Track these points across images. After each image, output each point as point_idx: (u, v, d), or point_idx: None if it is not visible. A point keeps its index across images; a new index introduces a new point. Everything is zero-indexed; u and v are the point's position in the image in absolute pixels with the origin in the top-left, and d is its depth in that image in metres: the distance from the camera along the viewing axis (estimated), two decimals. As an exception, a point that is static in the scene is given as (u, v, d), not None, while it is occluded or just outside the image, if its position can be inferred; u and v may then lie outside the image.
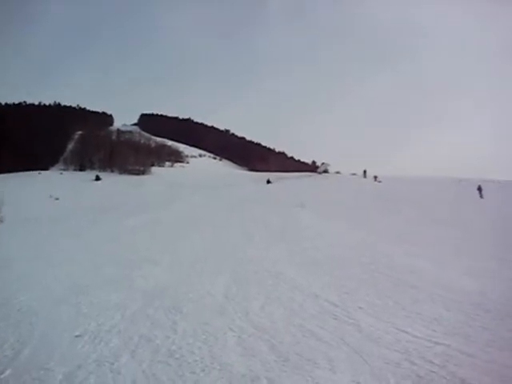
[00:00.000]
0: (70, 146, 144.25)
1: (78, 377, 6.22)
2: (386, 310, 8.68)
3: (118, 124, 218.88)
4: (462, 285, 10.42)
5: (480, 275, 11.44)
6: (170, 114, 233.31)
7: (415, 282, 10.71)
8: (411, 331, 7.41)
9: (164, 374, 6.14)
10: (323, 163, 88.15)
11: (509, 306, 8.79)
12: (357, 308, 8.88)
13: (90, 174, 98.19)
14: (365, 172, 64.91)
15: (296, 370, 6.07)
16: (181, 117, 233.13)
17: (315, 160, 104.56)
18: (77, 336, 7.88)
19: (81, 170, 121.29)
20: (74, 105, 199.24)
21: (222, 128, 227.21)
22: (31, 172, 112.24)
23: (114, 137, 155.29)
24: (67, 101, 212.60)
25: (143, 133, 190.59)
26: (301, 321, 8.21)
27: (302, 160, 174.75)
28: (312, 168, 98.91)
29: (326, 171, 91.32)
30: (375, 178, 58.92)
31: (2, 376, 6.38)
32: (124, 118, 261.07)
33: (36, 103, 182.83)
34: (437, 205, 29.93)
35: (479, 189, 37.57)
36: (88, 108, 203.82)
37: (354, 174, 78.52)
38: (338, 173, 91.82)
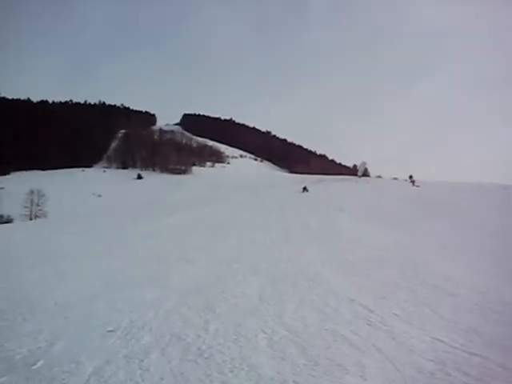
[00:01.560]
0: (114, 144, 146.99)
1: (107, 371, 6.28)
2: (422, 318, 8.46)
3: (160, 123, 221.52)
4: (502, 295, 10.07)
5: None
6: (212, 115, 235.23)
7: (453, 290, 10.42)
8: (447, 341, 7.19)
9: (192, 373, 6.13)
10: (362, 163, 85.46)
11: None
12: (392, 314, 8.69)
13: (132, 173, 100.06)
14: (411, 177, 63.09)
15: (325, 376, 5.96)
16: (223, 117, 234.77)
17: (356, 164, 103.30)
18: (109, 331, 7.96)
19: (123, 168, 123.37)
20: (118, 104, 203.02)
21: (263, 129, 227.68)
22: (75, 169, 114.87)
23: (156, 136, 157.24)
24: (112, 100, 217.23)
25: (185, 133, 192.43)
26: (334, 325, 8.09)
27: (342, 163, 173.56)
28: (353, 171, 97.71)
29: (366, 174, 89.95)
30: (413, 182, 57.65)
31: (34, 367, 6.50)
32: (167, 118, 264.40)
33: (82, 102, 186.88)
34: (481, 212, 29.21)
35: (526, 195, 36.53)
36: (132, 107, 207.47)
37: (396, 179, 77.42)
38: (379, 177, 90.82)
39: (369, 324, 8.14)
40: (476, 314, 8.70)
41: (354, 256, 14.52)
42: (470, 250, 16.08)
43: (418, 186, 53.21)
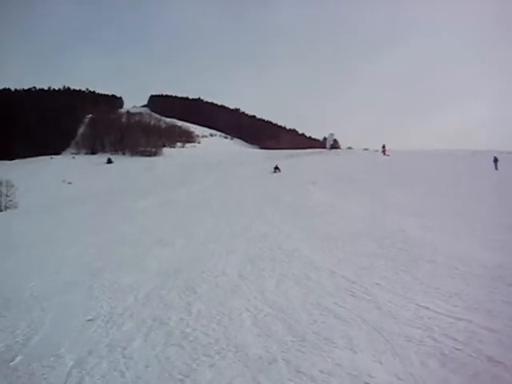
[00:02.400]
0: (81, 129, 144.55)
1: (90, 363, 6.08)
2: (404, 286, 8.46)
3: (127, 106, 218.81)
4: (479, 258, 10.12)
5: (496, 248, 11.12)
6: (179, 95, 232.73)
7: (431, 256, 10.47)
8: (432, 307, 7.18)
9: (178, 358, 5.98)
10: (330, 134, 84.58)
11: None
12: (374, 284, 8.67)
13: (101, 158, 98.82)
14: (384, 146, 62.69)
15: (314, 351, 5.88)
16: (191, 97, 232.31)
17: (326, 136, 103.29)
18: (88, 320, 7.76)
19: (92, 153, 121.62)
20: (83, 88, 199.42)
21: (232, 107, 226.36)
22: (43, 157, 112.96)
23: (124, 119, 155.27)
24: (76, 85, 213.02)
25: (153, 114, 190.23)
26: (317, 298, 8.04)
27: (313, 137, 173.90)
28: (323, 145, 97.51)
29: (336, 146, 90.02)
30: (383, 152, 57.65)
31: (12, 363, 6.26)
32: (134, 100, 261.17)
33: (45, 88, 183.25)
34: (450, 178, 29.53)
35: (495, 160, 36.89)
36: (97, 91, 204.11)
37: (366, 150, 77.82)
38: (349, 148, 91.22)
39: (352, 295, 8.11)
40: (457, 279, 8.72)
41: (331, 229, 14.53)
42: (441, 215, 16.18)
43: (388, 156, 53.57)
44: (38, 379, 5.80)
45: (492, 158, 37.56)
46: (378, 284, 8.66)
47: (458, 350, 5.60)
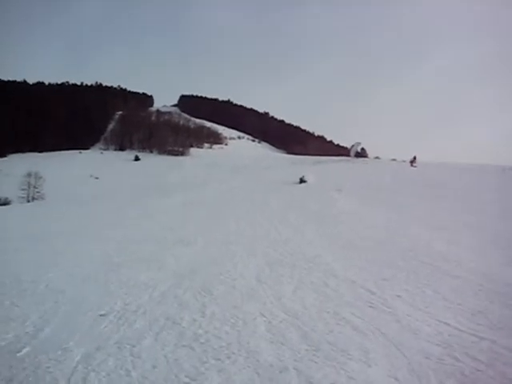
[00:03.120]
0: (111, 126, 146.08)
1: (96, 359, 5.96)
2: (426, 300, 8.22)
3: (157, 105, 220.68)
4: (504, 275, 9.86)
5: (523, 266, 10.83)
6: (209, 96, 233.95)
7: (455, 271, 10.21)
8: (453, 323, 6.94)
9: (187, 360, 5.83)
10: (356, 143, 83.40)
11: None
12: (394, 296, 8.45)
13: (129, 154, 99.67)
14: (415, 158, 61.98)
15: (328, 362, 5.69)
16: (220, 98, 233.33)
17: (354, 145, 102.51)
18: (101, 315, 7.67)
19: (121, 149, 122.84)
20: (115, 85, 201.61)
21: (261, 110, 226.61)
22: (72, 151, 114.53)
23: (153, 117, 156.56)
24: (108, 81, 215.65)
25: (183, 114, 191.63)
26: (335, 308, 7.83)
27: (341, 144, 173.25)
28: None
29: (363, 155, 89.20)
30: (411, 163, 57.07)
31: (19, 354, 6.18)
32: (164, 99, 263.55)
33: (78, 83, 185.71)
34: (479, 193, 29.05)
35: (526, 177, 36.27)
36: (129, 89, 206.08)
37: (394, 160, 77.16)
38: (377, 158, 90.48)
39: (371, 306, 7.89)
40: (481, 296, 8.46)
41: (354, 237, 14.32)
42: (467, 231, 15.87)
43: (415, 167, 53.02)
44: (43, 372, 5.69)
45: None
46: (398, 296, 8.44)
47: (479, 371, 5.36)
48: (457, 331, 6.63)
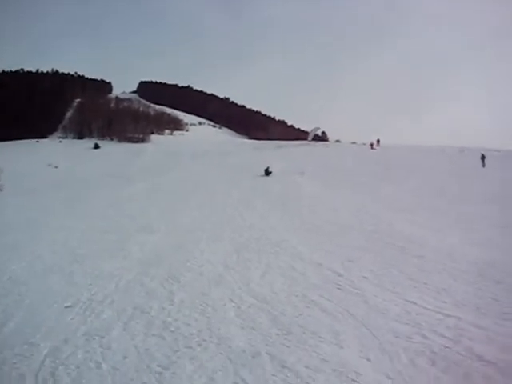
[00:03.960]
0: (69, 114, 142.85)
1: (65, 352, 5.83)
2: (392, 280, 8.36)
3: (116, 92, 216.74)
4: (466, 254, 10.13)
5: (484, 244, 11.15)
6: (169, 82, 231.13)
7: (419, 251, 10.43)
8: (420, 302, 7.08)
9: (158, 350, 5.76)
10: (315, 128, 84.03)
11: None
12: (361, 277, 8.56)
13: (88, 142, 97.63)
14: (378, 141, 62.66)
15: (300, 345, 5.71)
16: (180, 84, 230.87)
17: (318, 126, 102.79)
18: (67, 307, 7.50)
19: (80, 138, 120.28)
20: (72, 72, 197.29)
21: (221, 96, 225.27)
22: (29, 140, 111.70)
23: (112, 104, 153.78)
24: (65, 68, 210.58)
25: (142, 100, 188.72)
26: (303, 291, 7.88)
27: (302, 128, 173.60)
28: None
29: (324, 139, 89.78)
30: (371, 145, 57.65)
31: None
32: (123, 86, 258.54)
33: (34, 71, 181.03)
34: (438, 174, 29.57)
35: (482, 158, 37.00)
36: (86, 76, 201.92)
37: (354, 143, 77.76)
38: (338, 141, 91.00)
39: (339, 288, 7.97)
40: (444, 275, 8.66)
41: (318, 220, 14.43)
42: (429, 211, 16.17)
43: (375, 149, 53.60)
44: (9, 369, 5.53)
45: (479, 155, 37.68)
46: (365, 277, 8.55)
47: (447, 347, 5.48)
48: (424, 310, 6.76)
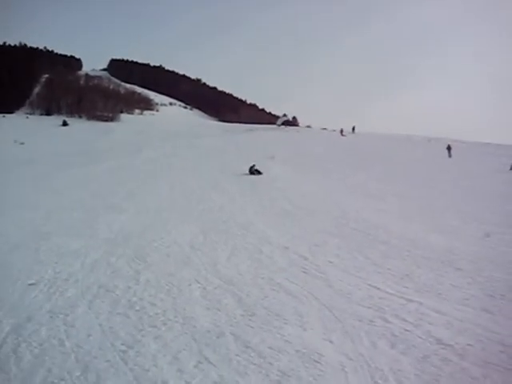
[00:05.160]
0: (37, 89, 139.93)
1: (27, 329, 5.79)
2: (357, 265, 8.50)
3: (86, 69, 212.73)
4: (429, 241, 10.34)
5: (446, 232, 11.42)
6: (140, 61, 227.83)
7: (384, 238, 10.61)
8: (383, 287, 7.22)
9: (122, 328, 5.77)
10: (283, 115, 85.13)
11: (478, 263, 8.67)
12: (327, 262, 8.67)
13: (57, 119, 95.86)
14: (353, 128, 63.13)
15: (264, 326, 5.78)
16: (152, 64, 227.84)
17: (286, 113, 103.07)
18: (30, 284, 7.43)
19: (47, 114, 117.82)
20: (40, 47, 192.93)
21: (193, 77, 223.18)
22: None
23: (82, 82, 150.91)
24: (34, 42, 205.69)
25: (113, 79, 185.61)
26: (269, 273, 7.96)
27: (273, 113, 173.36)
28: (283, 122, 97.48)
29: (295, 123, 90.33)
30: (341, 132, 58.04)
31: None
32: (93, 63, 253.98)
33: (1, 43, 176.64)
34: (406, 162, 29.94)
35: (448, 148, 37.65)
36: (56, 51, 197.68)
37: (325, 129, 78.05)
38: (308, 127, 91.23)
39: (304, 272, 8.07)
40: (408, 261, 8.84)
41: (286, 204, 14.51)
42: (395, 198, 16.41)
43: (344, 136, 53.97)
44: (-31, 346, 5.48)
45: (446, 146, 38.32)
46: (330, 262, 8.66)
47: (407, 331, 5.62)
48: (386, 294, 6.90)
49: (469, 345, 5.24)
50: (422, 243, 10.15)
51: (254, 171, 21.38)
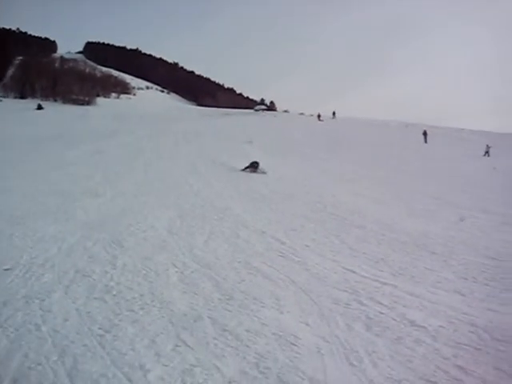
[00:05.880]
0: (10, 72, 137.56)
1: (3, 315, 5.69)
2: (333, 249, 8.60)
3: (61, 51, 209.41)
4: (405, 225, 10.55)
5: (421, 216, 11.72)
6: (117, 44, 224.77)
7: (360, 222, 10.77)
8: (359, 271, 7.33)
9: (99, 313, 5.73)
10: (261, 101, 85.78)
11: (452, 247, 8.84)
12: (303, 246, 8.76)
13: (31, 103, 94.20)
14: (334, 113, 63.41)
15: (241, 310, 5.81)
16: (129, 47, 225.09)
17: (264, 98, 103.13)
18: (6, 270, 7.32)
19: (22, 97, 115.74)
20: (13, 28, 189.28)
21: (170, 61, 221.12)
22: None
23: (57, 64, 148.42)
24: (7, 23, 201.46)
25: (89, 62, 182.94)
26: (246, 258, 8.00)
27: (250, 97, 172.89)
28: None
29: (272, 108, 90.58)
30: (318, 117, 58.29)
31: None
32: (68, 46, 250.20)
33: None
34: (383, 148, 30.21)
35: (424, 133, 38.15)
36: (30, 32, 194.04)
37: (302, 114, 78.19)
38: (286, 111, 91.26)
39: (281, 256, 8.13)
40: (383, 245, 8.98)
41: (263, 189, 14.56)
42: (372, 183, 16.62)
43: (322, 121, 54.14)
44: None
45: (422, 131, 38.77)
46: (307, 246, 8.75)
47: (382, 313, 5.70)
48: (362, 278, 7.00)
49: (441, 326, 5.35)
50: (398, 227, 10.33)
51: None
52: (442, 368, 4.41)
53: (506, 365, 4.45)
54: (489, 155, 30.03)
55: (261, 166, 18.28)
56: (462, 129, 52.39)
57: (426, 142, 37.17)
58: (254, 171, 17.89)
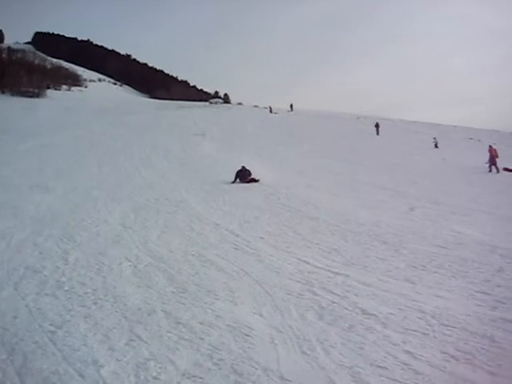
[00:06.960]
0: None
1: (-52, 313, 5.58)
2: (287, 240, 8.67)
3: (9, 42, 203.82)
4: (357, 216, 10.69)
5: (373, 207, 11.87)
6: (67, 34, 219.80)
7: (314, 213, 10.90)
8: (312, 261, 7.40)
9: (51, 309, 5.63)
10: (215, 94, 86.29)
11: (402, 236, 9.02)
12: (257, 238, 8.81)
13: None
14: (291, 106, 63.40)
15: (195, 302, 5.81)
16: (80, 38, 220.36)
17: (218, 90, 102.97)
18: None
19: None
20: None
21: (123, 52, 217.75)
22: None
23: (4, 55, 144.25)
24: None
25: (38, 53, 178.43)
26: (200, 250, 8.01)
27: (204, 90, 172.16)
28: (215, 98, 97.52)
29: (227, 101, 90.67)
30: (270, 109, 58.37)
31: None
32: (16, 36, 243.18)
33: None
34: (335, 140, 30.49)
35: (376, 126, 38.69)
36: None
37: (256, 107, 78.27)
38: (240, 104, 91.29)
39: (235, 248, 8.16)
40: (336, 236, 9.09)
41: (217, 181, 14.61)
42: (325, 175, 16.82)
43: (276, 114, 54.29)
44: None
45: (374, 123, 39.36)
46: (261, 238, 8.81)
47: (334, 303, 5.78)
48: (315, 268, 7.08)
49: (391, 314, 5.46)
50: (350, 218, 10.48)
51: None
52: (392, 353, 4.51)
53: (452, 348, 4.59)
54: (437, 147, 30.74)
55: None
56: (415, 121, 53.50)
57: (378, 134, 37.69)
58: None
